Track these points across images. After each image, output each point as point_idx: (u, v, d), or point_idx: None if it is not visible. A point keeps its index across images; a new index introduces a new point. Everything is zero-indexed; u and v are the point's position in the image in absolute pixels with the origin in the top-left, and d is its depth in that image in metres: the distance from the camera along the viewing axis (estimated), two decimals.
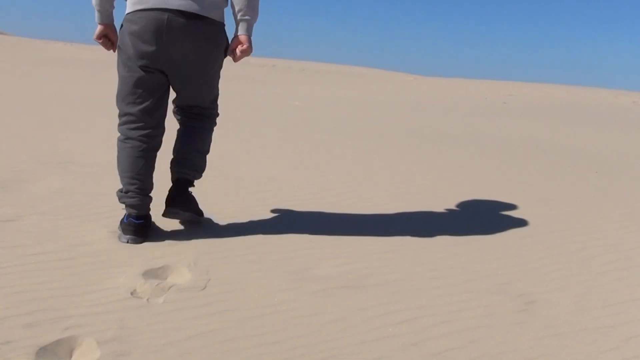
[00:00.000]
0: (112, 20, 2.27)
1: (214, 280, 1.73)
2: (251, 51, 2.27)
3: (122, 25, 2.22)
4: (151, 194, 2.26)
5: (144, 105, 2.19)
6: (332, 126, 5.30)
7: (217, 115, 2.48)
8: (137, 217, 2.18)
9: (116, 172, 2.23)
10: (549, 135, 6.03)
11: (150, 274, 1.75)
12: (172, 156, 2.34)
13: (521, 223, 2.59)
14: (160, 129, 2.27)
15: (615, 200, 3.19)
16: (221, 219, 2.37)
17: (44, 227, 2.07)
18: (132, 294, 1.61)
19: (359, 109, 7.35)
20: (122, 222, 2.21)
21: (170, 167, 2.32)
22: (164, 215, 2.24)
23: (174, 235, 2.09)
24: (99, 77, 9.42)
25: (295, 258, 1.96)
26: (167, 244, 2.00)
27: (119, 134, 2.25)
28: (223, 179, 2.96)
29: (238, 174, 3.10)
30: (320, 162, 3.57)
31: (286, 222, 2.34)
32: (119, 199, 2.23)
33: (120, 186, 2.24)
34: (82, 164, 3.04)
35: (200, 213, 2.36)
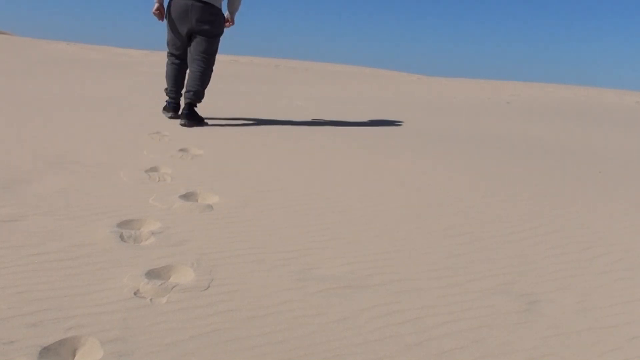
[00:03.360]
0: (164, 0, 4.46)
1: (217, 280, 1.74)
2: (233, 24, 4.72)
3: (168, 6, 4.42)
4: (181, 92, 4.69)
5: (180, 51, 4.61)
6: (334, 126, 5.30)
7: (213, 63, 4.57)
8: (174, 103, 4.74)
9: (119, 171, 2.87)
10: (553, 135, 6.02)
11: (153, 273, 1.75)
12: (186, 95, 4.52)
13: (524, 222, 2.58)
14: (186, 59, 4.60)
15: (618, 200, 3.18)
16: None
17: (46, 227, 2.07)
18: (135, 294, 1.61)
19: (361, 108, 7.35)
20: (165, 107, 4.78)
21: (183, 97, 4.50)
22: (181, 123, 4.37)
23: (176, 235, 2.09)
24: (102, 77, 9.43)
25: (298, 258, 1.96)
26: (170, 244, 2.00)
27: (167, 60, 4.72)
28: (223, 178, 2.96)
29: (238, 173, 3.10)
30: (323, 161, 3.57)
31: (289, 222, 2.34)
32: (166, 94, 4.72)
33: (166, 86, 4.75)
34: (85, 164, 3.04)
35: (201, 119, 4.48)
